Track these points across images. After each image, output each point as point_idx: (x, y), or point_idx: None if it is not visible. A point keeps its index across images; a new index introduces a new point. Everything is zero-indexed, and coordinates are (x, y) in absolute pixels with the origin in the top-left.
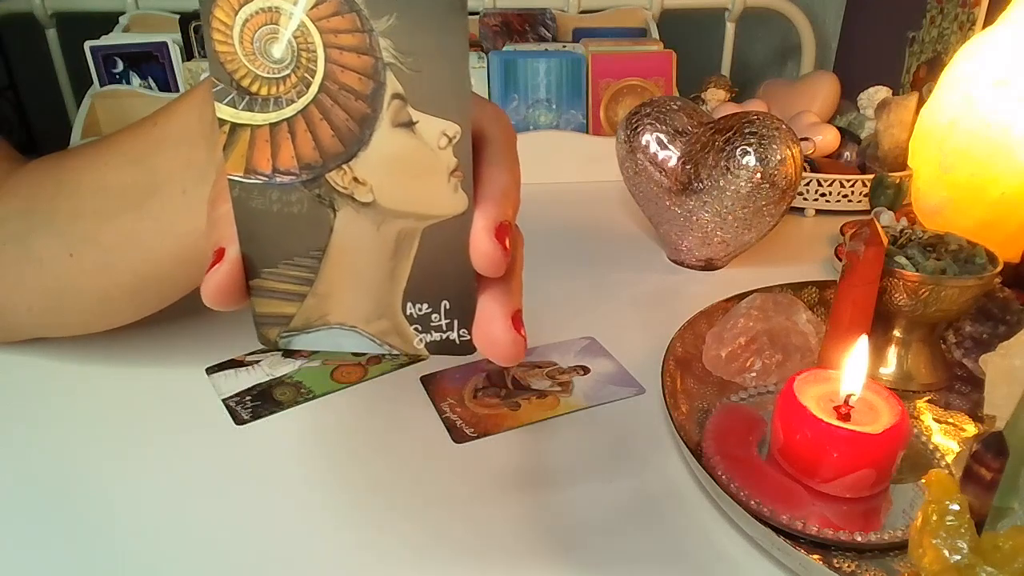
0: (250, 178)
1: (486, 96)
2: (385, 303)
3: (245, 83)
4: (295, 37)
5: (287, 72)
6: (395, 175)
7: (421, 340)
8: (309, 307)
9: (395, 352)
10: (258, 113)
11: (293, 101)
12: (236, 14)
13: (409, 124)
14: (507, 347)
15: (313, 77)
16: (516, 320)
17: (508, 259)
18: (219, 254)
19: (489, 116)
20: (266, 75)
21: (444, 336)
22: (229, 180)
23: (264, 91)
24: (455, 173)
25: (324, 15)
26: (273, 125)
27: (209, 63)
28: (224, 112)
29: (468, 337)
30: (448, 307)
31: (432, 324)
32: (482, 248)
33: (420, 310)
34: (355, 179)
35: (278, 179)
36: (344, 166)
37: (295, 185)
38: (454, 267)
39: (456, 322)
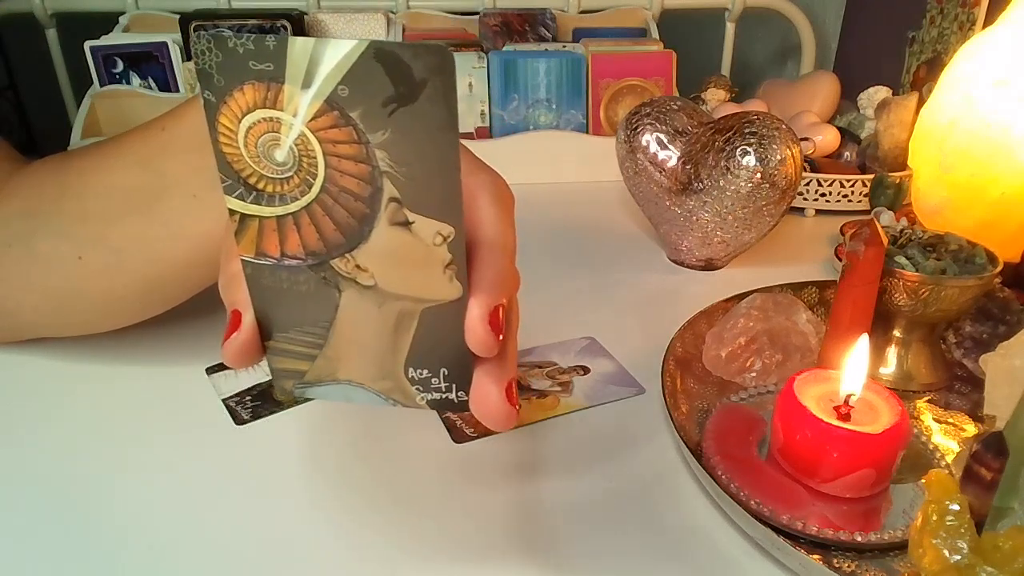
0: (260, 260)
1: (486, 98)
2: (389, 367)
3: (252, 181)
4: (296, 144)
5: (290, 174)
6: (394, 266)
7: (423, 398)
8: (319, 366)
9: (400, 406)
10: (265, 207)
11: (297, 199)
12: (240, 121)
13: (406, 223)
14: (501, 419)
15: (314, 180)
16: (510, 392)
17: (501, 343)
18: (236, 318)
19: (486, 195)
20: (271, 175)
21: (443, 396)
22: (241, 260)
23: (270, 188)
24: (450, 266)
25: (323, 127)
26: (280, 217)
27: (216, 162)
28: (233, 204)
29: (466, 398)
30: (447, 373)
31: (432, 386)
32: (477, 335)
33: (421, 374)
34: (357, 266)
35: (286, 262)
36: (347, 255)
37: (302, 268)
38: (451, 342)
39: (454, 385)
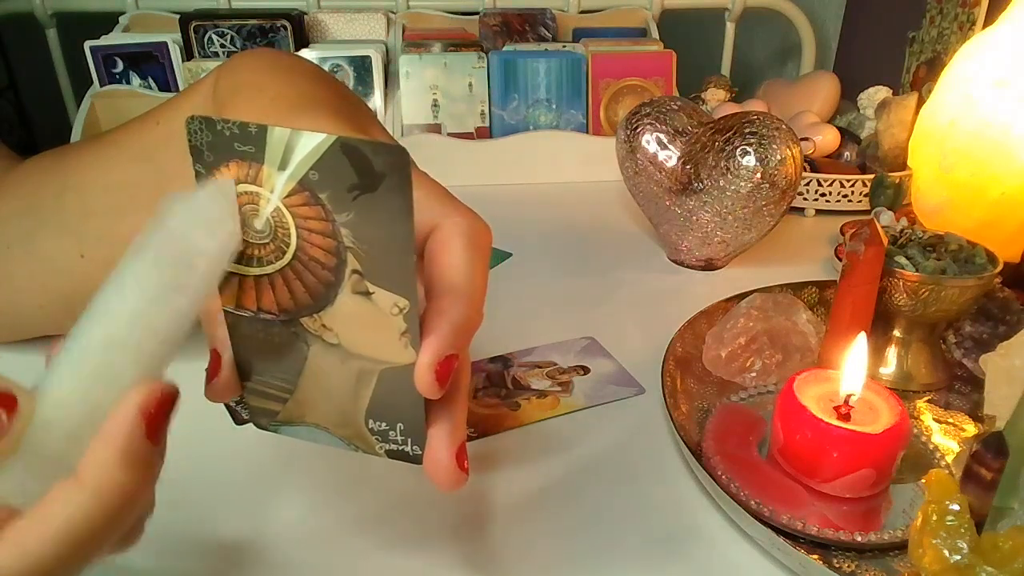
0: (239, 311)
1: (486, 98)
2: (350, 417)
3: None
4: (272, 216)
5: (267, 241)
6: (355, 329)
7: (381, 447)
8: (290, 408)
9: (361, 452)
10: (244, 266)
11: (272, 263)
12: None
13: (366, 293)
14: (451, 483)
15: (287, 248)
16: (460, 455)
17: (445, 390)
18: (216, 359)
19: (460, 238)
20: (250, 240)
21: (400, 448)
22: (224, 310)
23: (249, 251)
24: (405, 334)
25: (296, 204)
26: (257, 277)
27: None
28: None
29: (420, 452)
30: (403, 428)
31: (390, 438)
32: (423, 382)
33: (380, 426)
34: (323, 325)
35: (262, 316)
36: (314, 315)
37: (275, 322)
38: (406, 400)
39: (410, 440)
